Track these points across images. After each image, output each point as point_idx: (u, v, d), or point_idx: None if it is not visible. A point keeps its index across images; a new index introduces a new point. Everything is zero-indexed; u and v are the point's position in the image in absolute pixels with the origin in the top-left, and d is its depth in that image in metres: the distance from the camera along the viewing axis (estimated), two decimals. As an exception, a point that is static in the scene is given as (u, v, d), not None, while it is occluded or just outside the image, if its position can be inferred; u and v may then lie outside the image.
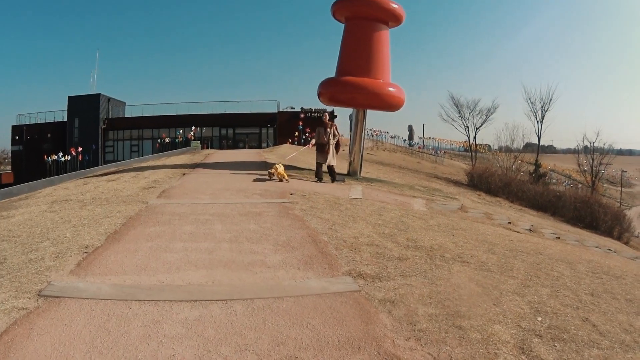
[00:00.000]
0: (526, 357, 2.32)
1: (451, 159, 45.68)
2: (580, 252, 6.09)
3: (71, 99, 34.77)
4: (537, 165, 34.03)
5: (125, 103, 37.49)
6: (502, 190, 22.19)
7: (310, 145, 11.40)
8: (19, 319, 2.54)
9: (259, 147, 31.41)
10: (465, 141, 45.47)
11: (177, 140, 30.86)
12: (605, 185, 47.24)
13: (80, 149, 28.81)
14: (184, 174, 9.87)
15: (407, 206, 7.61)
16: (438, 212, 7.44)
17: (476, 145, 43.04)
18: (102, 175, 11.60)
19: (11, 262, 3.60)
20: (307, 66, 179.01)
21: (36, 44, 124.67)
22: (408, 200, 8.53)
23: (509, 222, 8.46)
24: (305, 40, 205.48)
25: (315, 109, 33.25)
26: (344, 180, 10.07)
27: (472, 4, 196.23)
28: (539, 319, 2.81)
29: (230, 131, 34.89)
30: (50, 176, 17.12)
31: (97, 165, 25.01)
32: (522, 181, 26.23)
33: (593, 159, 38.43)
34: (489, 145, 47.31)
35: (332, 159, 9.58)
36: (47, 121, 36.43)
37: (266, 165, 10.47)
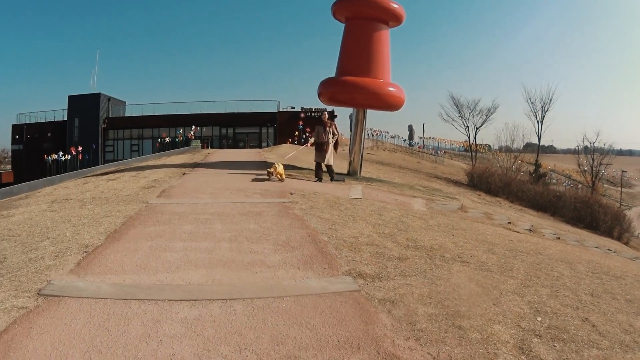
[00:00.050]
0: (526, 357, 2.32)
1: (451, 158, 45.66)
2: (580, 253, 6.09)
3: (71, 99, 34.78)
4: (537, 165, 34.03)
5: (125, 102, 37.53)
6: (502, 190, 22.17)
7: (309, 144, 11.40)
8: (19, 318, 2.54)
9: (259, 146, 31.38)
10: (465, 141, 45.55)
11: (177, 139, 30.82)
12: (605, 185, 47.26)
13: (80, 149, 28.76)
14: (184, 174, 9.87)
15: (407, 206, 7.61)
16: (438, 212, 7.44)
17: (476, 145, 43.05)
18: (102, 174, 11.61)
19: (11, 261, 3.60)
20: (307, 66, 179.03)
21: (36, 44, 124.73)
22: (408, 200, 8.53)
23: (509, 222, 8.46)
24: (305, 40, 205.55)
25: (315, 109, 33.19)
26: (344, 180, 10.07)
27: (472, 4, 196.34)
28: (539, 319, 2.81)
29: (231, 131, 34.89)
30: (50, 175, 17.13)
31: (97, 164, 24.97)
32: (522, 181, 26.22)
33: (593, 159, 38.47)
34: (489, 145, 47.38)
35: (330, 158, 9.61)
36: (47, 120, 36.43)
37: (266, 165, 10.47)
